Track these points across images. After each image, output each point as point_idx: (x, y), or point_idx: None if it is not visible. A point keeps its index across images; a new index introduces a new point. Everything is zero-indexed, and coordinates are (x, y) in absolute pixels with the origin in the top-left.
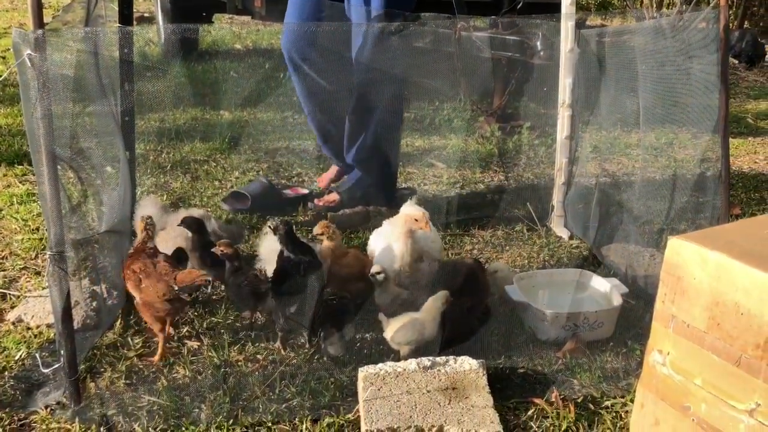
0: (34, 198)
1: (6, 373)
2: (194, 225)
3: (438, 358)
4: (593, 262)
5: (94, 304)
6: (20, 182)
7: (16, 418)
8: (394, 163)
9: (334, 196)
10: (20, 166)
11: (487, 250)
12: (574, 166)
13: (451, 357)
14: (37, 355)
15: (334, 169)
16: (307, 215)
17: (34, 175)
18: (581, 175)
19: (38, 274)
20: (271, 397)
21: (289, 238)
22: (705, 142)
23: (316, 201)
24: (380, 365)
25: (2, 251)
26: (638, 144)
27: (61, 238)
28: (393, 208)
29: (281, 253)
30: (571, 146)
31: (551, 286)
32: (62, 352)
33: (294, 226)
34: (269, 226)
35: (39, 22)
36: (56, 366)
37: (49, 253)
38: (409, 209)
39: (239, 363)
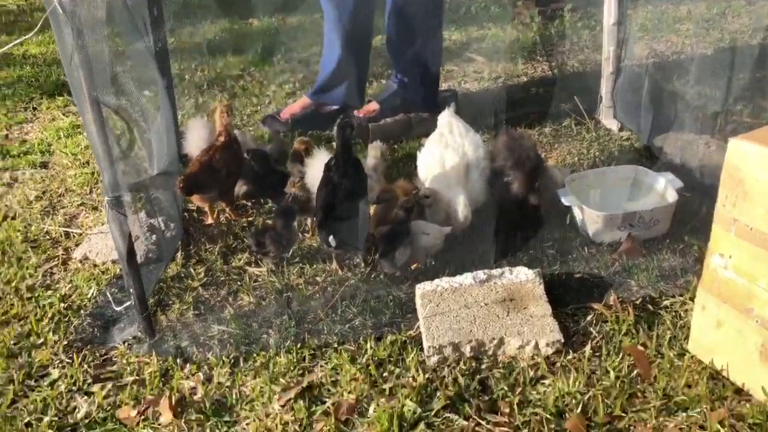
0: (79, 130)
1: (82, 311)
2: (257, 156)
3: (493, 271)
4: (645, 154)
5: (154, 237)
6: (63, 114)
7: (97, 354)
8: (436, 67)
9: (373, 106)
10: (61, 97)
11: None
12: (622, 50)
13: (506, 268)
14: (108, 293)
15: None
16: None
17: (75, 105)
18: (630, 59)
19: (95, 209)
20: (335, 319)
21: (345, 145)
22: (761, 8)
23: (356, 112)
24: (436, 281)
25: (58, 188)
26: (688, 17)
27: (115, 183)
28: (435, 113)
29: (327, 166)
30: (619, 32)
31: (604, 185)
32: (131, 290)
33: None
34: (339, 122)
35: None
36: (128, 304)
37: (106, 198)
38: (445, 117)
39: (300, 287)
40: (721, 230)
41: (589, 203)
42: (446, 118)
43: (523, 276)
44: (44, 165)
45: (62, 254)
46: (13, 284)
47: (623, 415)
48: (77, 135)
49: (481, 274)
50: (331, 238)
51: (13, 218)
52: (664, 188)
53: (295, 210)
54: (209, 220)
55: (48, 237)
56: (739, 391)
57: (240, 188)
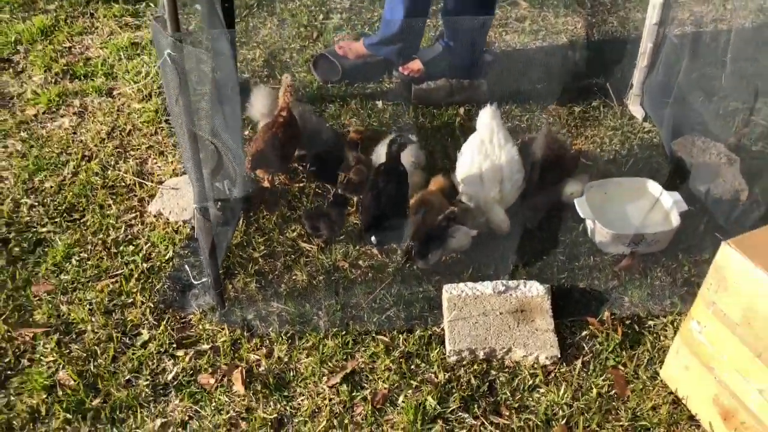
0: (137, 51)
1: (162, 273)
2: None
3: (510, 283)
4: (662, 154)
5: (219, 203)
6: (120, 27)
7: (178, 317)
8: (484, 37)
9: (418, 65)
10: (116, 4)
11: (562, 132)
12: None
13: (522, 281)
14: (187, 267)
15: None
16: (392, 83)
17: (132, 17)
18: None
19: (162, 153)
20: (374, 307)
21: (394, 158)
22: None
23: (400, 69)
24: (461, 286)
25: (125, 123)
26: None
27: (203, 195)
28: (476, 78)
29: (377, 170)
30: (659, 32)
31: (619, 194)
32: (209, 272)
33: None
34: (392, 138)
35: (176, 26)
36: (203, 281)
37: (195, 206)
38: (487, 119)
39: (345, 269)
40: (702, 304)
41: (603, 213)
42: (487, 121)
43: (534, 290)
44: (110, 92)
45: (137, 205)
46: (100, 236)
47: (598, 429)
48: (136, 57)
49: (500, 285)
50: (373, 237)
51: (90, 159)
52: (670, 208)
53: (347, 200)
54: (265, 183)
55: (123, 184)
56: (692, 418)
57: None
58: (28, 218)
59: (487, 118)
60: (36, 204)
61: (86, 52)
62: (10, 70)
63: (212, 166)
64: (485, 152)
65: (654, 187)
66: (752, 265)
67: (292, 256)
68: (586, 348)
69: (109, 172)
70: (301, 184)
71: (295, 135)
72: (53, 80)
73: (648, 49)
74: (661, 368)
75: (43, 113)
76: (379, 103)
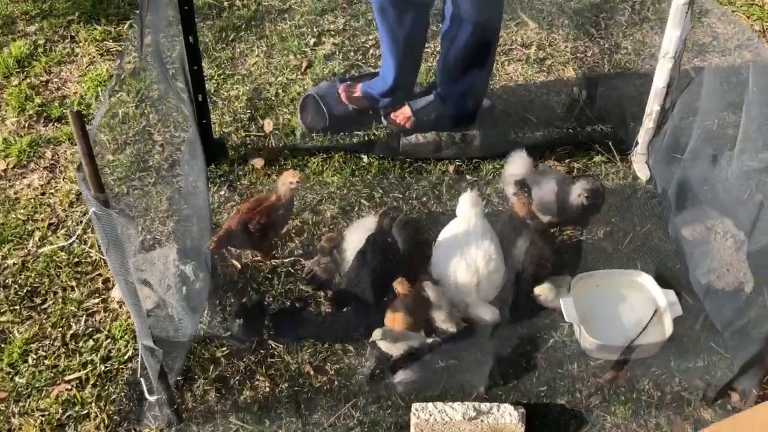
0: (116, 86)
1: (119, 378)
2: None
3: (483, 406)
4: (664, 227)
5: (184, 289)
6: (101, 55)
7: (133, 430)
8: (480, 94)
9: (408, 112)
10: (98, 27)
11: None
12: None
13: (495, 405)
14: (143, 380)
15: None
16: (379, 131)
17: (114, 41)
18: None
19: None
20: (336, 425)
21: (385, 230)
22: None
23: (392, 115)
24: (430, 408)
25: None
26: None
27: (146, 333)
28: (470, 129)
29: (366, 244)
30: (668, 94)
31: (609, 285)
32: (162, 394)
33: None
34: (384, 209)
35: (99, 188)
36: (158, 397)
37: (141, 342)
38: (465, 210)
39: (310, 375)
40: None
41: (594, 309)
42: (466, 210)
43: (507, 417)
44: None
45: (101, 288)
46: (59, 328)
47: None
48: (114, 93)
49: (471, 410)
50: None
51: (57, 227)
52: (664, 311)
53: (310, 303)
54: (237, 264)
55: (89, 260)
56: None
57: None
58: None
59: (465, 206)
60: None
61: (63, 88)
62: None
63: (152, 305)
64: (461, 252)
65: (647, 279)
66: None
67: (258, 355)
68: None
69: (75, 246)
70: (275, 262)
71: (280, 221)
72: (26, 124)
73: (655, 111)
74: None
75: (13, 167)
76: (365, 158)
